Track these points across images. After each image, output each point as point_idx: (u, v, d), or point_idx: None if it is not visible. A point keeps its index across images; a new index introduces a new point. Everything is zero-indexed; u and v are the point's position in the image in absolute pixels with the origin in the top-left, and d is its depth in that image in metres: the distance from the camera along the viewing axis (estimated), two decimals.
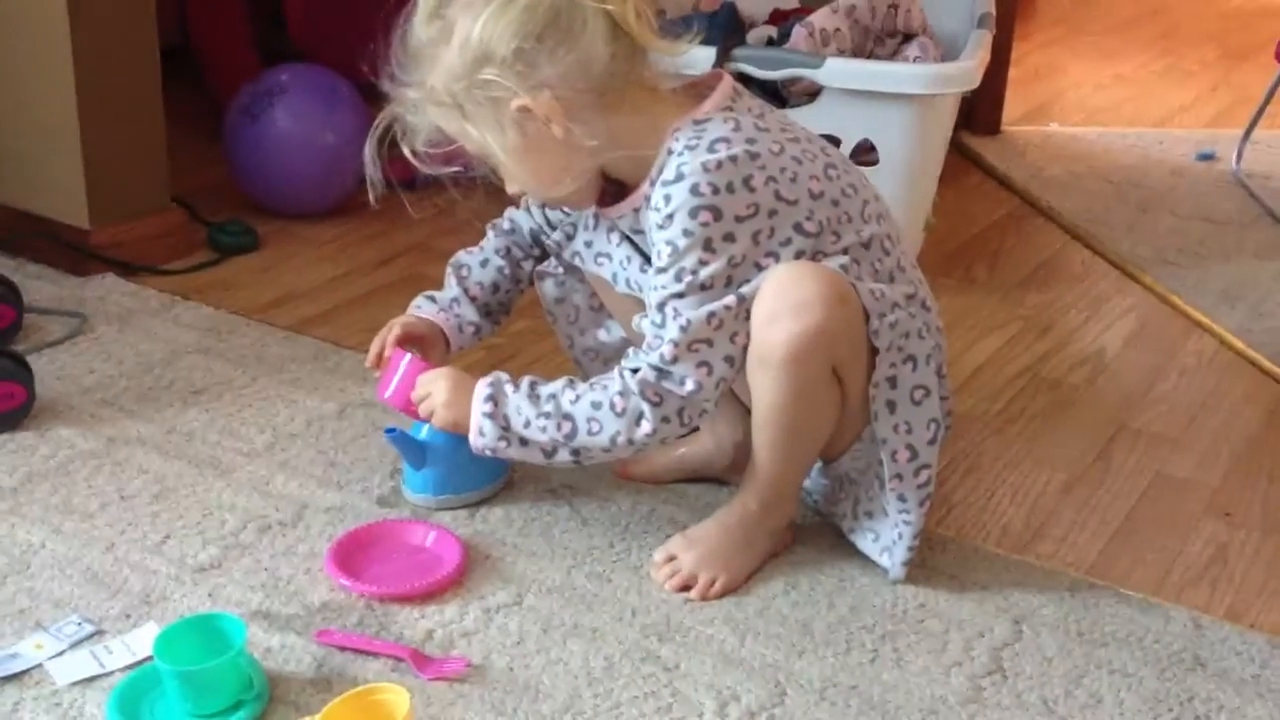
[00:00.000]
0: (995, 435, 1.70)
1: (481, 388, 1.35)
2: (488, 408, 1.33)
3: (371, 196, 1.39)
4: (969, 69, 1.95)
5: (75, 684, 1.21)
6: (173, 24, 2.46)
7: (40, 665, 1.23)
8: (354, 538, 1.41)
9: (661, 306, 1.29)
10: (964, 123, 2.27)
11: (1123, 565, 1.46)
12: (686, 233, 1.26)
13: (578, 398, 1.32)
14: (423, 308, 1.53)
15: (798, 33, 2.04)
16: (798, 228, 1.29)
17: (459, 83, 1.27)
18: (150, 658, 1.21)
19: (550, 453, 1.33)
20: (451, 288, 1.53)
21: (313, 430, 1.64)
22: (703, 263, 1.27)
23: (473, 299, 1.52)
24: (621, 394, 1.30)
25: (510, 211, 1.55)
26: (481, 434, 1.34)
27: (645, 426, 1.30)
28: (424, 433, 1.47)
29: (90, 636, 1.27)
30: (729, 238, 1.27)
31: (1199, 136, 2.97)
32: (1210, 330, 2.04)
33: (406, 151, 1.34)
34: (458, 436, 1.47)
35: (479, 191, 1.41)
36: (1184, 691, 1.25)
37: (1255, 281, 2.22)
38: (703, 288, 1.28)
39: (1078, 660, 1.29)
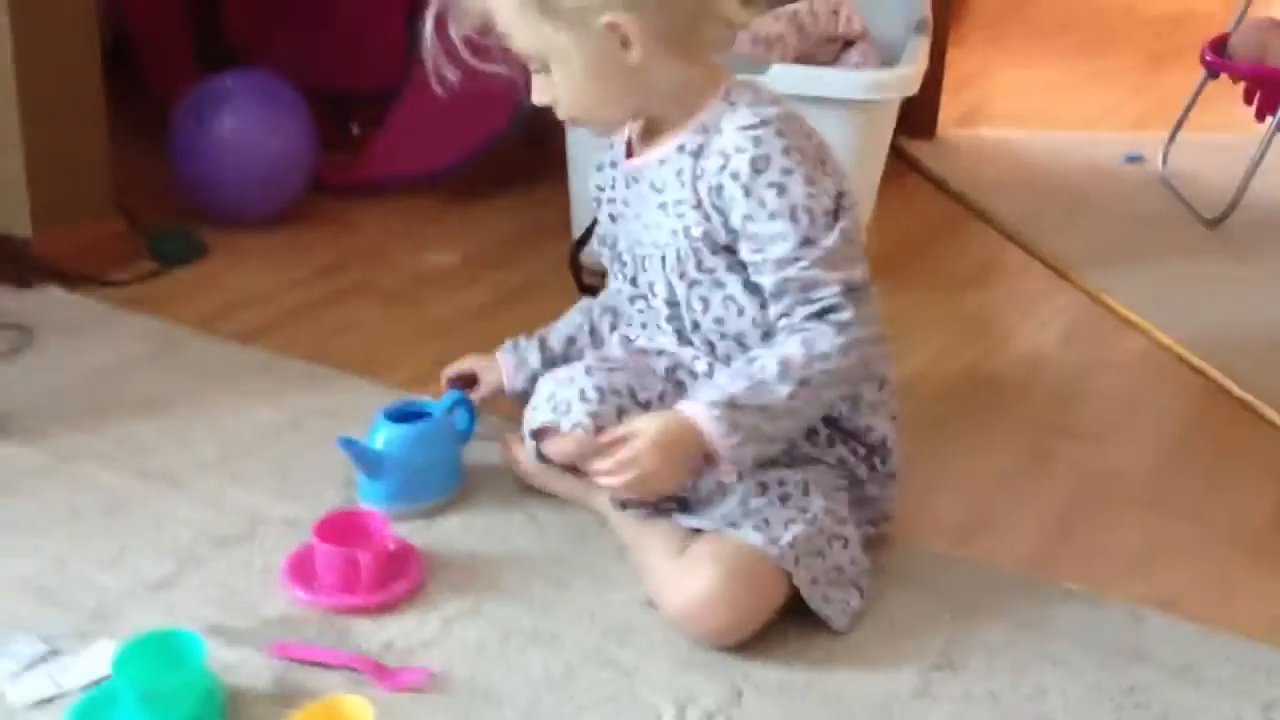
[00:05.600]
0: (936, 434, 1.73)
1: (697, 436, 1.26)
2: (733, 441, 1.26)
3: (435, 84, 1.38)
4: (909, 74, 2.00)
5: (32, 706, 1.20)
6: (109, 15, 2.43)
7: None
8: (310, 548, 1.41)
9: (794, 250, 1.27)
10: (900, 127, 2.30)
11: (1060, 559, 1.50)
12: (786, 170, 1.28)
13: (782, 362, 1.27)
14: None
15: (742, 38, 2.07)
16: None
17: None
18: (107, 676, 1.21)
19: (805, 418, 1.32)
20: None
21: (264, 441, 1.64)
22: (810, 195, 1.28)
23: (543, 348, 1.57)
24: (812, 329, 1.28)
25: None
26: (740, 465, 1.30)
27: (852, 331, 1.28)
28: (379, 442, 1.48)
29: (45, 656, 1.26)
30: (818, 171, 1.30)
31: (1125, 139, 3.03)
32: (1141, 328, 2.09)
33: (454, 35, 1.34)
34: (413, 445, 1.49)
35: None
36: (1124, 681, 1.30)
37: (1183, 280, 2.28)
38: (823, 214, 1.28)
39: (1022, 653, 1.33)
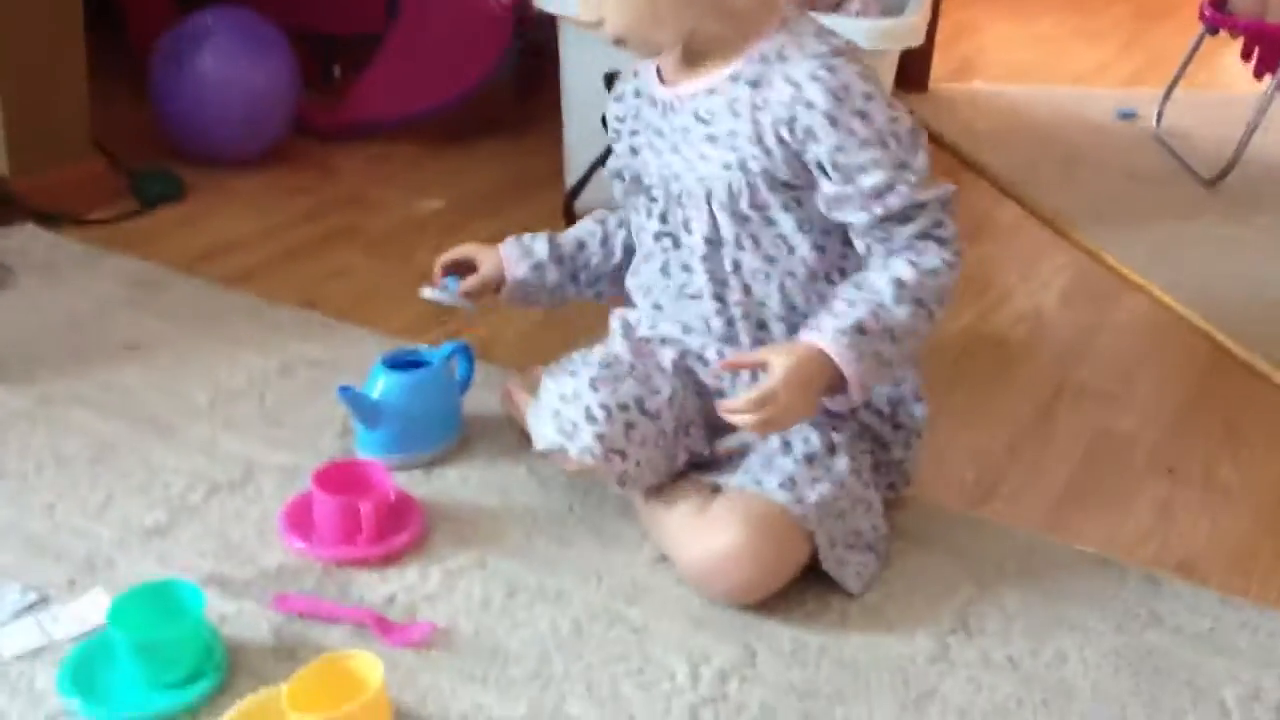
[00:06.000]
0: (946, 394, 1.70)
1: (825, 365, 1.22)
2: (862, 368, 1.23)
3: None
4: (914, 24, 1.95)
5: (21, 656, 1.16)
6: None
7: None
8: (307, 498, 1.36)
9: (890, 176, 1.24)
10: (895, 80, 2.26)
11: (1075, 522, 1.48)
12: (867, 96, 1.23)
13: (896, 283, 1.24)
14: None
15: None
16: None
17: None
18: (100, 627, 1.17)
19: (920, 339, 1.28)
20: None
21: (255, 388, 1.59)
22: (893, 119, 1.24)
23: (551, 243, 1.49)
24: (920, 248, 1.26)
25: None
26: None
27: (954, 245, 1.27)
28: (378, 390, 1.44)
29: (33, 605, 1.22)
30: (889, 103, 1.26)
31: (1117, 95, 3.01)
32: (1142, 288, 2.07)
33: None
34: (412, 394, 1.44)
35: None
36: (1142, 646, 1.27)
37: (1183, 240, 2.26)
38: (907, 134, 1.25)
39: (1039, 618, 1.30)
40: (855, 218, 1.26)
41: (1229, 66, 2.70)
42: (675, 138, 1.33)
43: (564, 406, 1.29)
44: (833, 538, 1.28)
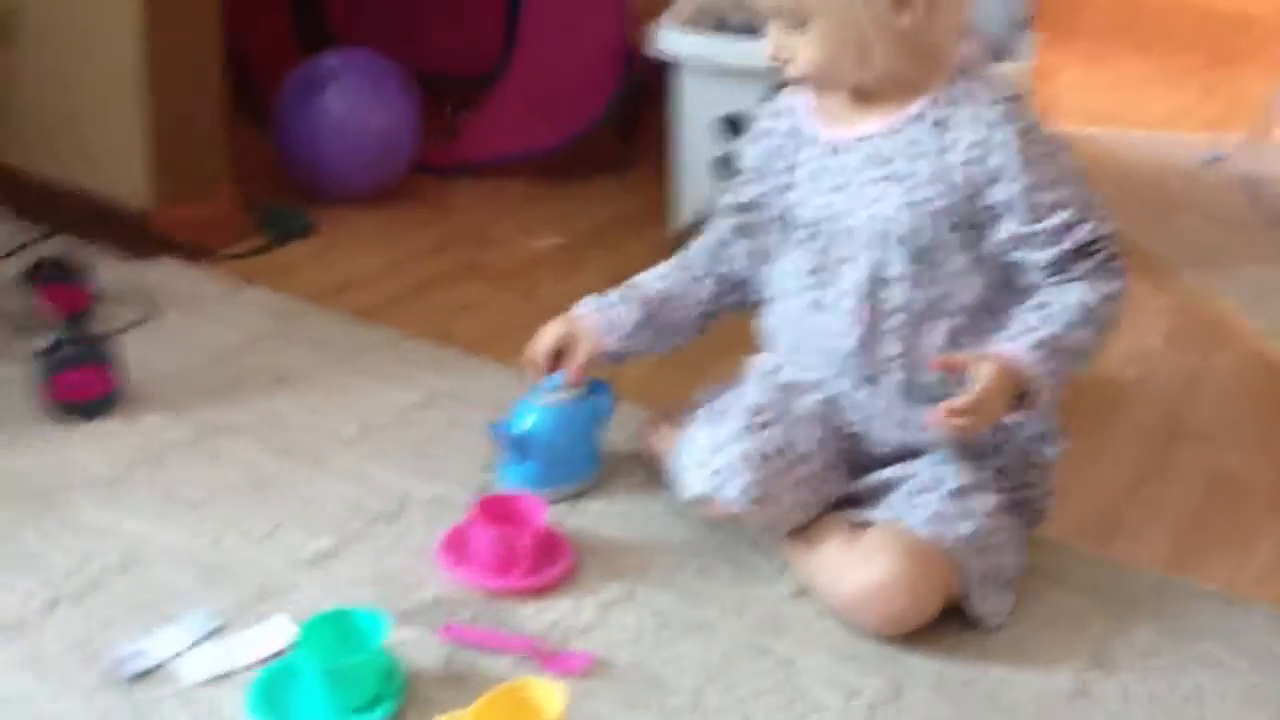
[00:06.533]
0: (1062, 432, 1.74)
1: (1017, 376, 1.28)
2: (1052, 381, 1.30)
3: None
4: (1027, 69, 2.00)
5: (206, 682, 1.21)
6: None
7: (169, 662, 1.23)
8: (462, 529, 1.42)
9: (1079, 213, 1.32)
10: None
11: (1193, 562, 1.51)
12: (1049, 139, 1.33)
13: (1082, 306, 1.32)
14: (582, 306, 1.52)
15: None
16: None
17: None
18: (281, 652, 1.23)
19: (1089, 360, 1.36)
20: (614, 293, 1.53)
21: (400, 421, 1.65)
22: (1069, 159, 1.34)
23: (635, 304, 1.50)
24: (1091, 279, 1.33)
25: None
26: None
27: (1123, 277, 1.35)
28: (527, 425, 1.49)
29: (215, 631, 1.28)
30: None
31: (1200, 140, 3.03)
32: (1243, 332, 2.10)
33: None
34: (561, 429, 1.50)
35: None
36: (1278, 683, 1.31)
37: (1273, 282, 2.28)
38: (1080, 173, 1.34)
39: (1174, 655, 1.34)
40: (1041, 254, 1.32)
41: None
42: (842, 177, 1.37)
43: (712, 457, 1.34)
44: (977, 572, 1.32)
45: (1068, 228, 1.32)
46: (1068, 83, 3.49)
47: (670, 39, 2.10)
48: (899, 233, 1.34)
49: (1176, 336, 2.08)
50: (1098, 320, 1.33)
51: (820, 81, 1.35)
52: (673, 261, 1.56)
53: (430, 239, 2.19)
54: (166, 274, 1.96)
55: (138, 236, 1.97)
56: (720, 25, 2.19)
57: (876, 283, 1.36)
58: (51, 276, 1.78)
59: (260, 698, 1.18)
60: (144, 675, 1.22)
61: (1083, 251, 1.33)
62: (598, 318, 1.50)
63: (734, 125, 2.03)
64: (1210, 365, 2.00)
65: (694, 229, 2.08)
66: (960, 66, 1.34)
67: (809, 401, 1.41)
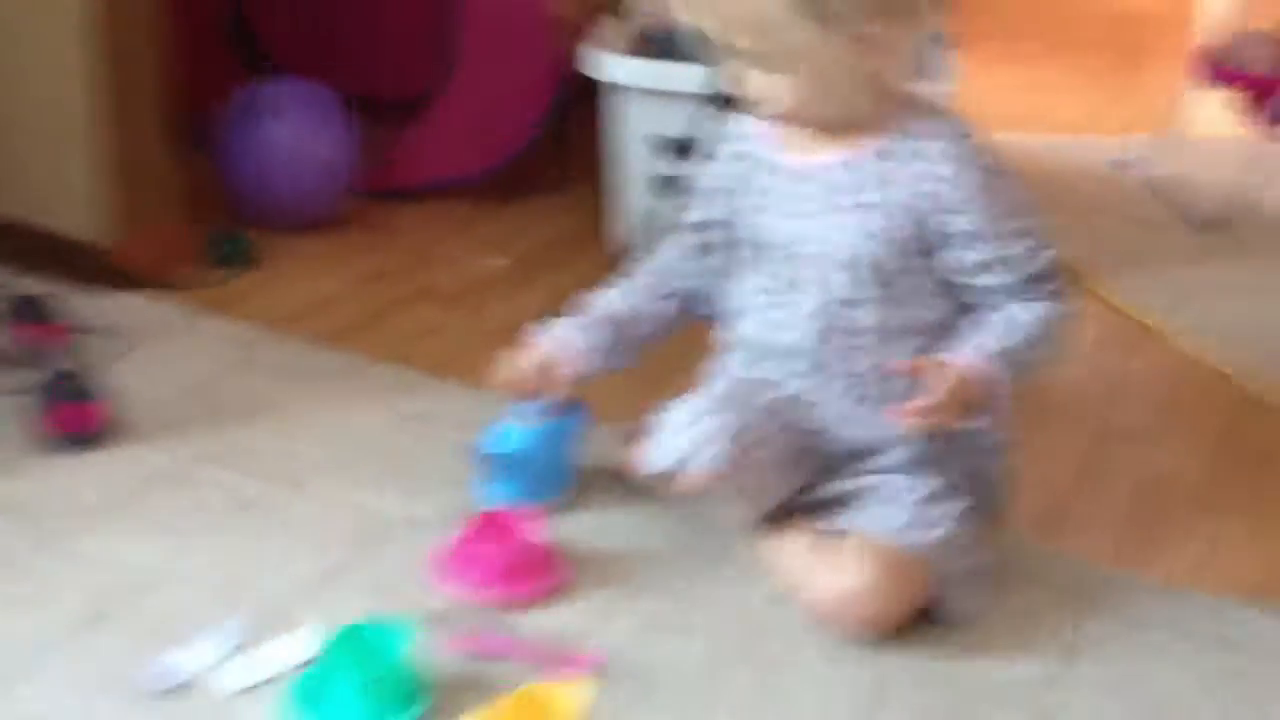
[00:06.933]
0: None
1: (977, 382, 1.36)
2: (1007, 390, 1.39)
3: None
4: (951, 94, 2.09)
5: (239, 693, 1.25)
6: None
7: (201, 674, 1.27)
8: (453, 545, 1.45)
9: (1037, 240, 1.42)
10: None
11: (1137, 556, 1.61)
12: (1003, 171, 1.41)
13: (1041, 322, 1.41)
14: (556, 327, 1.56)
15: None
16: None
17: None
18: (306, 663, 1.27)
19: (1036, 374, 1.45)
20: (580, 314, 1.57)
21: (373, 444, 1.69)
22: (1020, 189, 1.43)
23: (606, 328, 1.55)
24: (1033, 298, 1.42)
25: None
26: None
27: (1070, 300, 1.45)
28: (507, 445, 1.54)
29: (240, 647, 1.31)
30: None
31: (1109, 143, 3.16)
32: (1161, 334, 2.21)
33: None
34: (538, 447, 1.55)
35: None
36: (1227, 670, 1.41)
37: (1192, 286, 2.40)
38: (1030, 204, 1.43)
39: (1127, 642, 1.43)
40: (1000, 279, 1.41)
41: (1212, 112, 2.86)
42: (804, 204, 1.44)
43: (687, 428, 1.39)
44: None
45: (1030, 254, 1.41)
46: (982, 86, 3.60)
47: (605, 64, 2.16)
48: (861, 259, 1.41)
49: (1099, 342, 2.19)
50: (1051, 339, 1.43)
51: (794, 119, 1.42)
52: (636, 279, 1.61)
53: (375, 264, 2.23)
54: (125, 307, 1.97)
55: (93, 270, 1.98)
56: (646, 39, 2.26)
57: (839, 304, 1.43)
58: (25, 314, 1.79)
59: (296, 707, 1.22)
60: (178, 689, 1.25)
61: (1042, 276, 1.42)
62: (577, 339, 1.55)
63: (681, 148, 2.09)
64: (1134, 367, 2.11)
65: (632, 247, 2.15)
66: (915, 100, 1.42)
67: (775, 395, 1.48)
